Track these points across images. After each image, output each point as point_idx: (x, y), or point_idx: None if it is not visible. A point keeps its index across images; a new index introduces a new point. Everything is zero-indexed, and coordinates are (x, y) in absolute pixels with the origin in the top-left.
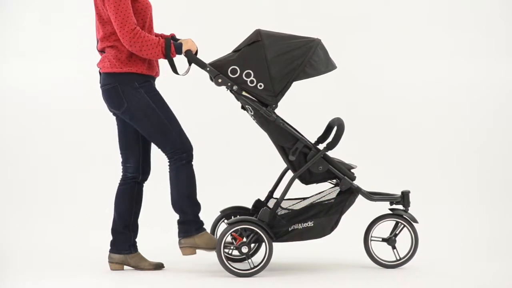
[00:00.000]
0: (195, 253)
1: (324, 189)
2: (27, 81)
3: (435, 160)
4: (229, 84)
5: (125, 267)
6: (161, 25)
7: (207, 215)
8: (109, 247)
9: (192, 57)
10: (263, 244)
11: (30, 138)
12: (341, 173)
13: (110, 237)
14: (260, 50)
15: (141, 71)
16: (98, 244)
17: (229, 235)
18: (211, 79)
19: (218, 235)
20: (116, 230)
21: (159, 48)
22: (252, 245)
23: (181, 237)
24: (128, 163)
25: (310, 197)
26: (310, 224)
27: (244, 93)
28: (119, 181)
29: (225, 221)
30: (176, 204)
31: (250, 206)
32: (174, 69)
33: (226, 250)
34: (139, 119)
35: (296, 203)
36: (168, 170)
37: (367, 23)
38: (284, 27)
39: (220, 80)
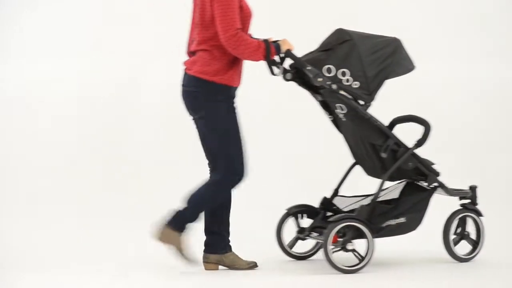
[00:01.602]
0: (165, 244)
1: (387, 186)
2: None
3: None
4: (327, 83)
5: (220, 267)
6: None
7: (271, 213)
8: (203, 248)
9: (293, 56)
10: (365, 240)
11: (30, 138)
12: (428, 170)
13: (204, 238)
14: (354, 49)
15: (229, 82)
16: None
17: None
18: (286, 78)
19: (284, 233)
20: (211, 231)
21: (261, 51)
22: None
23: (168, 227)
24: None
25: (373, 194)
26: (402, 220)
27: (341, 91)
28: (212, 175)
29: (299, 218)
30: (192, 202)
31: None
32: (272, 70)
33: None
34: (209, 132)
35: (361, 199)
36: (210, 175)
37: (366, 23)
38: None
39: (320, 79)
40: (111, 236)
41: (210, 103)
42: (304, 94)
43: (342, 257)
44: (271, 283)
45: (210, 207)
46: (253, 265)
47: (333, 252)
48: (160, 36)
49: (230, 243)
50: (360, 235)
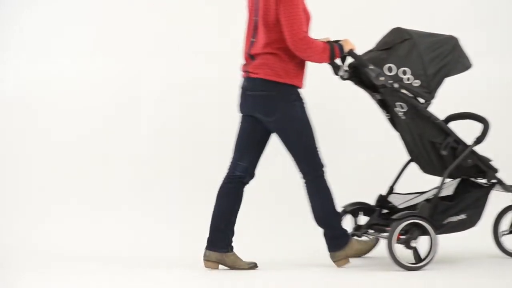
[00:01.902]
0: (349, 262)
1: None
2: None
3: None
4: (389, 82)
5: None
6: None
7: None
8: (205, 244)
9: (356, 56)
10: (428, 237)
11: (30, 138)
12: (486, 166)
13: (207, 235)
14: (414, 47)
15: (299, 83)
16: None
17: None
18: (343, 78)
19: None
20: (216, 227)
21: (327, 52)
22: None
23: (334, 251)
24: (241, 161)
25: (428, 191)
26: (463, 216)
27: (402, 90)
28: (223, 179)
29: (358, 215)
30: (323, 220)
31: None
32: (335, 71)
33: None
34: (288, 132)
35: (414, 197)
36: (306, 186)
37: (368, 23)
38: None
39: (381, 78)
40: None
41: (286, 104)
42: (356, 94)
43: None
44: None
45: (334, 202)
46: (253, 266)
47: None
48: (160, 37)
49: (233, 244)
50: (423, 232)
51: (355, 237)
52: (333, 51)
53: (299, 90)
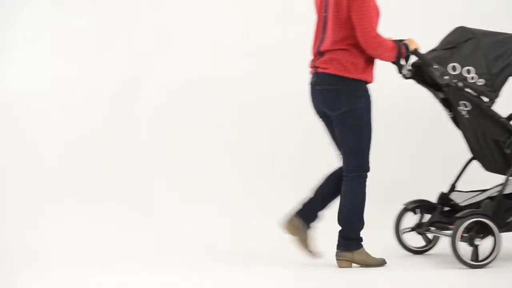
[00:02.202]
0: (351, 266)
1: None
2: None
3: None
4: (453, 81)
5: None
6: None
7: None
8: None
9: (420, 55)
10: (492, 236)
11: (29, 139)
12: None
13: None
14: (478, 46)
15: (368, 78)
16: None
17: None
18: (406, 77)
19: (403, 227)
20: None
21: (395, 51)
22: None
23: (341, 250)
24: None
25: (490, 189)
26: None
27: (466, 89)
28: (346, 179)
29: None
30: (345, 219)
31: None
32: (400, 70)
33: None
34: (348, 127)
35: (476, 195)
36: (344, 182)
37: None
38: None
39: (446, 77)
40: (113, 235)
41: (353, 99)
42: (421, 93)
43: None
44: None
45: (364, 208)
46: (383, 262)
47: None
48: (160, 36)
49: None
50: (487, 230)
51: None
52: (400, 50)
53: (368, 85)
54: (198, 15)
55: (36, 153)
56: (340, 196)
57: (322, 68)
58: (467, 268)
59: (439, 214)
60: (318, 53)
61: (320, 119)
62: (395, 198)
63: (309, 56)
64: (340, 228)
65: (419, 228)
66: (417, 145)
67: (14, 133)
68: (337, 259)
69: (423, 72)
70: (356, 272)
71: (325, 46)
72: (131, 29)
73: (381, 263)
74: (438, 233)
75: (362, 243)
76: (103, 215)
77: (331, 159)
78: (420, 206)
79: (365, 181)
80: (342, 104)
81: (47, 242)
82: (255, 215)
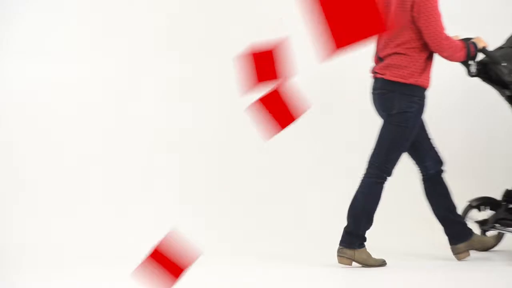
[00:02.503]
0: (350, 264)
1: None
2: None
3: None
4: None
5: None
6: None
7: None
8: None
9: (489, 53)
10: None
11: (30, 138)
12: None
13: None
14: None
15: (423, 84)
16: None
17: None
18: (472, 74)
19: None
20: (450, 222)
21: (464, 51)
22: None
23: (343, 247)
24: (426, 162)
25: None
26: None
27: None
28: (424, 183)
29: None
30: (355, 216)
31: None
32: (469, 69)
33: None
34: (393, 127)
35: None
36: (364, 177)
37: None
38: None
39: None
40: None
41: (406, 103)
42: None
43: None
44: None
45: (376, 208)
46: (383, 263)
47: None
48: (161, 36)
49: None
50: None
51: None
52: (469, 49)
53: (423, 91)
54: (198, 15)
55: (36, 153)
56: (358, 190)
57: (380, 74)
58: (467, 269)
59: (504, 211)
60: (378, 59)
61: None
62: (459, 194)
63: None
64: (346, 223)
65: (484, 225)
66: (480, 142)
67: (14, 134)
68: (338, 255)
69: (488, 69)
70: (356, 272)
71: (384, 51)
72: (131, 29)
73: (381, 263)
74: (503, 230)
75: (365, 243)
76: (102, 215)
77: (331, 159)
78: (485, 203)
79: (383, 183)
80: (394, 106)
81: (46, 242)
82: (255, 214)
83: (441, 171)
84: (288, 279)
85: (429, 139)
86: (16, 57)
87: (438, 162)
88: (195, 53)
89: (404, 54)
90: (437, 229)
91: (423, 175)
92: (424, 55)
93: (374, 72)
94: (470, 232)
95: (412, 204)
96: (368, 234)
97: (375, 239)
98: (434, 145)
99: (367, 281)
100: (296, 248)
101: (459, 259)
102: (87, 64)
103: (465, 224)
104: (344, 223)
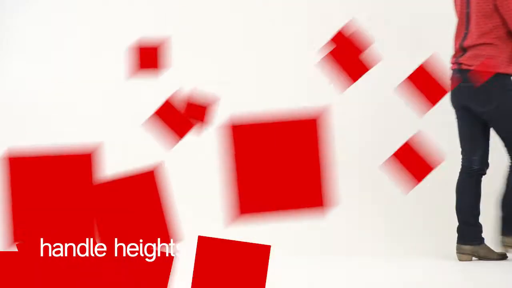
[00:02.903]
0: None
1: None
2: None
3: None
4: None
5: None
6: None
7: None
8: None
9: None
10: None
11: (29, 139)
12: None
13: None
14: None
15: None
16: None
17: None
18: None
19: None
20: (466, 221)
21: None
22: None
23: (506, 235)
24: (474, 156)
25: None
26: None
27: None
28: (461, 174)
29: None
30: (509, 202)
31: None
32: None
33: None
34: (502, 122)
35: None
36: (509, 171)
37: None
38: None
39: None
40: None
41: (501, 94)
42: None
43: None
44: None
45: None
46: (504, 256)
47: None
48: (161, 36)
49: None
50: None
51: None
52: None
53: None
54: (199, 16)
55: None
56: (506, 183)
57: (467, 65)
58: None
59: None
60: (461, 49)
61: (458, 113)
62: None
63: None
64: (502, 213)
65: None
66: None
67: (13, 134)
68: (503, 246)
69: None
70: (358, 272)
71: (469, 41)
72: (131, 29)
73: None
74: None
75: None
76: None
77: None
78: None
79: None
80: (493, 99)
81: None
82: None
83: (484, 173)
84: (288, 279)
85: (488, 138)
86: (16, 57)
87: (486, 163)
88: (195, 53)
89: (491, 43)
90: (439, 229)
91: (468, 168)
92: (511, 44)
93: (457, 63)
94: (481, 239)
95: (414, 204)
96: (368, 235)
97: (378, 240)
98: (488, 145)
99: (368, 281)
100: None
101: (459, 259)
102: (87, 64)
103: (479, 228)
104: None
